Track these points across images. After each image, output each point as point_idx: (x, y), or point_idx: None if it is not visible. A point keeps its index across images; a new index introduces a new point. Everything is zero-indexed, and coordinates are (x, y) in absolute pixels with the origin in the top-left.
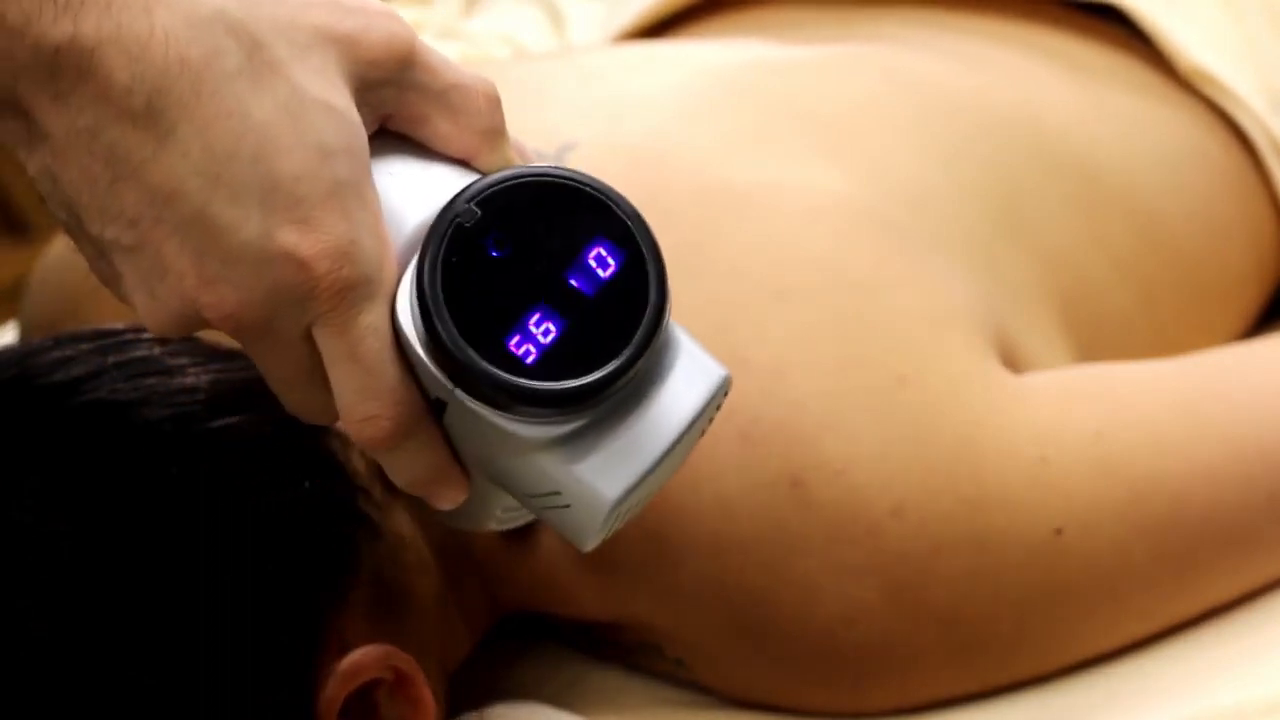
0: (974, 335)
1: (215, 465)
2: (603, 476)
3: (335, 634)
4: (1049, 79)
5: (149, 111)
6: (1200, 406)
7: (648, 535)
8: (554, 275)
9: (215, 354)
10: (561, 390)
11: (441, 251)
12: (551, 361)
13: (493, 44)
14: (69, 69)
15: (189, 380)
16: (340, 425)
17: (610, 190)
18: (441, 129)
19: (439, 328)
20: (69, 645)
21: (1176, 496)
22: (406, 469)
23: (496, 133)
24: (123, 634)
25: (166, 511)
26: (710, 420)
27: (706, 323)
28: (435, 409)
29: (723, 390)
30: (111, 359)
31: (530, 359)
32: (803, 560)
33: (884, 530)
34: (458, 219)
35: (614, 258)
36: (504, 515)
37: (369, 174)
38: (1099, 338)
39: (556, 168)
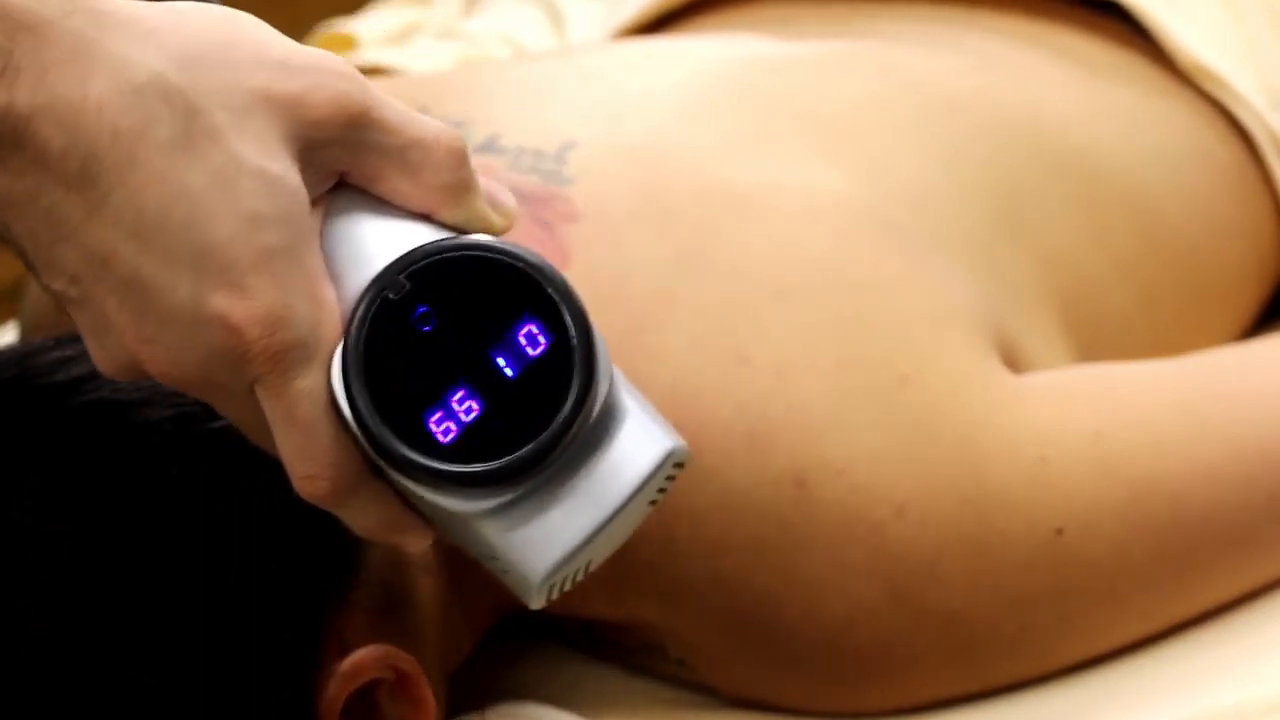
0: (975, 335)
1: (216, 465)
2: (534, 549)
3: (336, 634)
4: (1050, 75)
5: (84, 177)
6: (1200, 406)
7: (650, 533)
8: (479, 353)
9: None
10: (471, 473)
11: (366, 324)
12: (471, 440)
13: (493, 44)
14: (5, 136)
15: None
16: None
17: (544, 266)
18: (400, 187)
19: (357, 403)
20: (70, 645)
21: (1177, 496)
22: (358, 522)
23: (460, 188)
24: (123, 634)
25: (167, 511)
26: (662, 490)
27: (707, 323)
28: (375, 468)
29: (672, 461)
30: None
31: (449, 437)
32: (805, 560)
33: (886, 530)
34: (385, 291)
35: (545, 337)
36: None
37: (307, 238)
38: (1099, 337)
39: (493, 241)
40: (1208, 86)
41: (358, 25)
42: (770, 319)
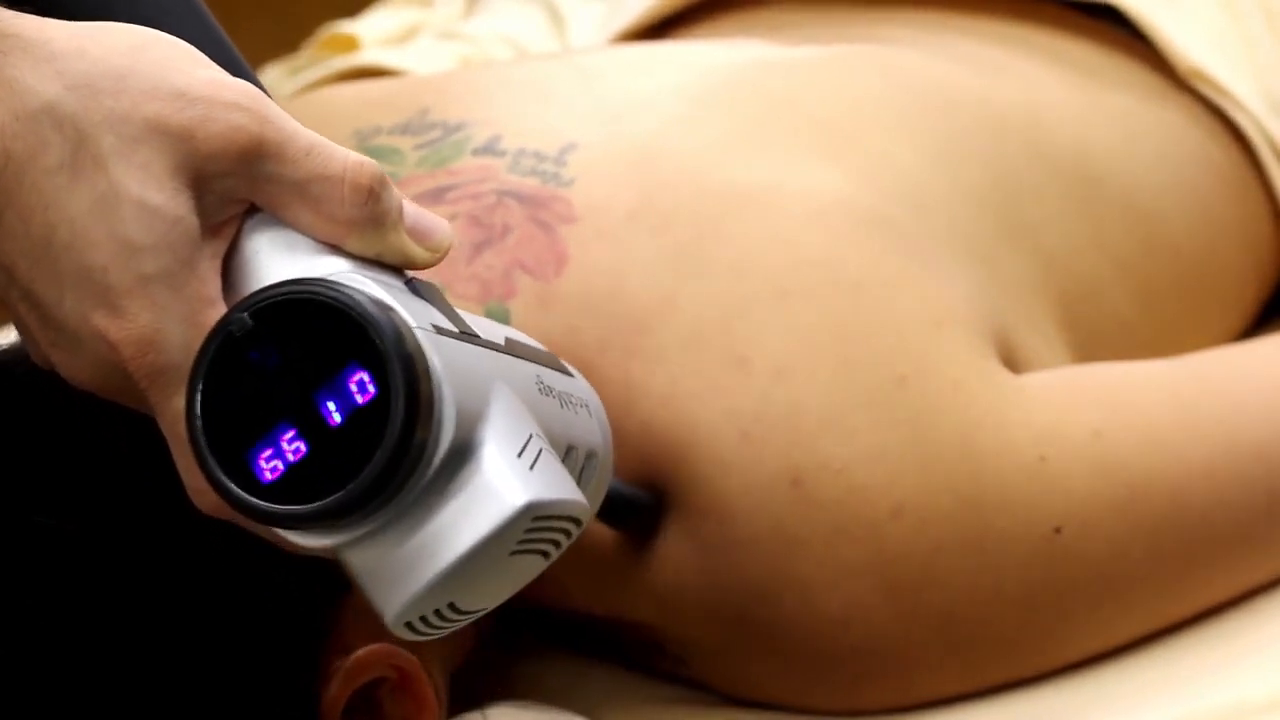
0: (974, 335)
1: None
2: (380, 591)
3: (338, 633)
4: (1049, 79)
5: None
6: (1199, 406)
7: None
8: (308, 396)
9: None
10: (283, 513)
11: (208, 360)
12: (296, 481)
13: (493, 44)
14: None
15: None
16: None
17: (377, 318)
18: (303, 218)
19: (196, 435)
20: (71, 645)
21: (1175, 496)
22: (256, 534)
23: (367, 222)
24: (125, 633)
25: (169, 511)
26: (530, 543)
27: (706, 323)
28: None
29: (527, 516)
30: None
31: (274, 475)
32: (802, 559)
33: (883, 530)
34: (229, 327)
35: (374, 386)
36: None
37: (191, 264)
38: (1098, 338)
39: (340, 286)
40: (1205, 90)
41: (359, 26)
42: (769, 319)
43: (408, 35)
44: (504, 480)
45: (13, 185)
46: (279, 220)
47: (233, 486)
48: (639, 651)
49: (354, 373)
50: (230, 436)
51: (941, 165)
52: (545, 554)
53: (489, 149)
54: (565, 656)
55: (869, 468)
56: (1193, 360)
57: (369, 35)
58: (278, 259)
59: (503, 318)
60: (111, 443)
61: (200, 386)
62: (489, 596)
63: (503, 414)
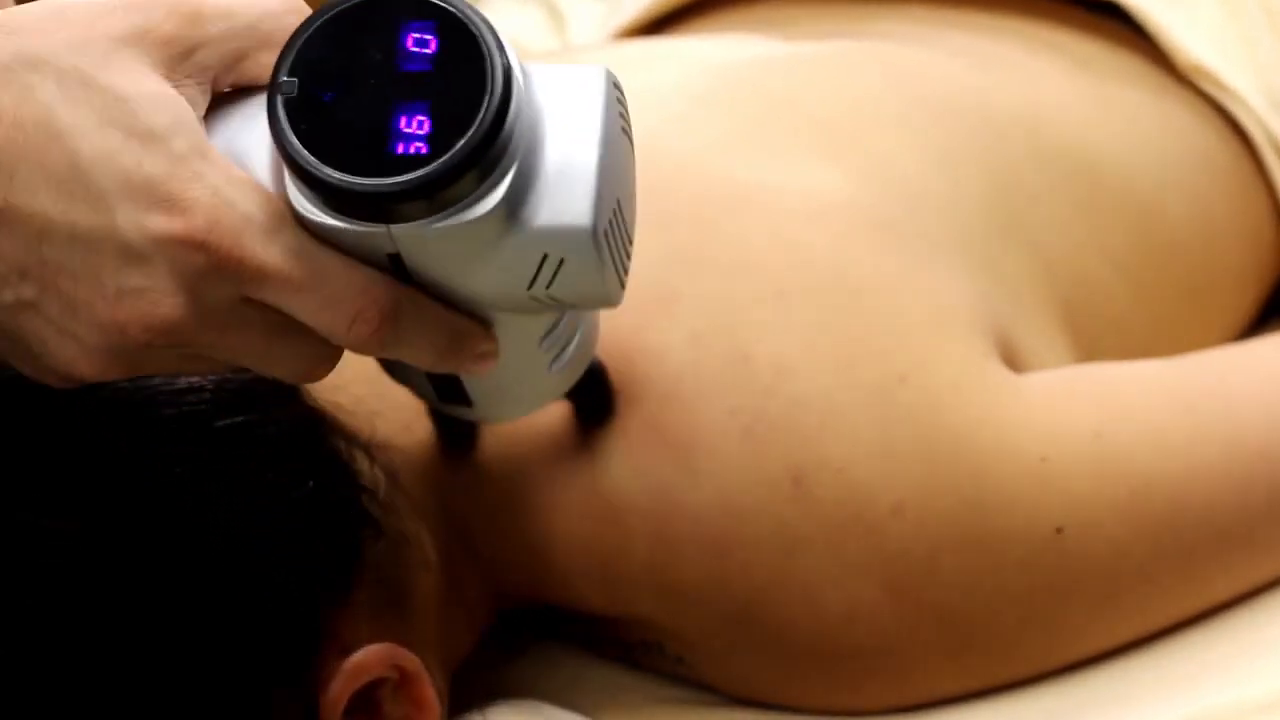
0: (974, 334)
1: (219, 466)
2: (565, 212)
3: (339, 633)
4: (1050, 76)
5: None
6: (1199, 406)
7: (649, 531)
8: (390, 76)
9: None
10: (461, 151)
11: (287, 129)
12: (440, 140)
13: None
14: None
15: (195, 380)
16: (341, 342)
17: None
18: (263, 59)
19: (335, 184)
20: (72, 644)
21: (1175, 496)
22: (426, 344)
23: None
24: (125, 633)
25: (170, 511)
26: (623, 116)
27: (707, 321)
28: (396, 271)
29: (611, 83)
30: None
31: (425, 150)
32: (804, 558)
33: (884, 528)
34: (280, 96)
35: (428, 33)
36: (547, 352)
37: (202, 134)
38: (1098, 337)
39: (335, 4)
40: (1206, 87)
41: None
42: (770, 318)
43: None
44: (574, 69)
45: (14, 135)
46: (241, 93)
47: (408, 177)
48: (639, 650)
49: (405, 38)
50: (359, 166)
51: (942, 165)
52: (627, 130)
53: None
54: (565, 655)
55: (870, 466)
56: (1193, 360)
57: None
58: (253, 126)
59: None
60: (111, 443)
61: (303, 151)
62: (628, 183)
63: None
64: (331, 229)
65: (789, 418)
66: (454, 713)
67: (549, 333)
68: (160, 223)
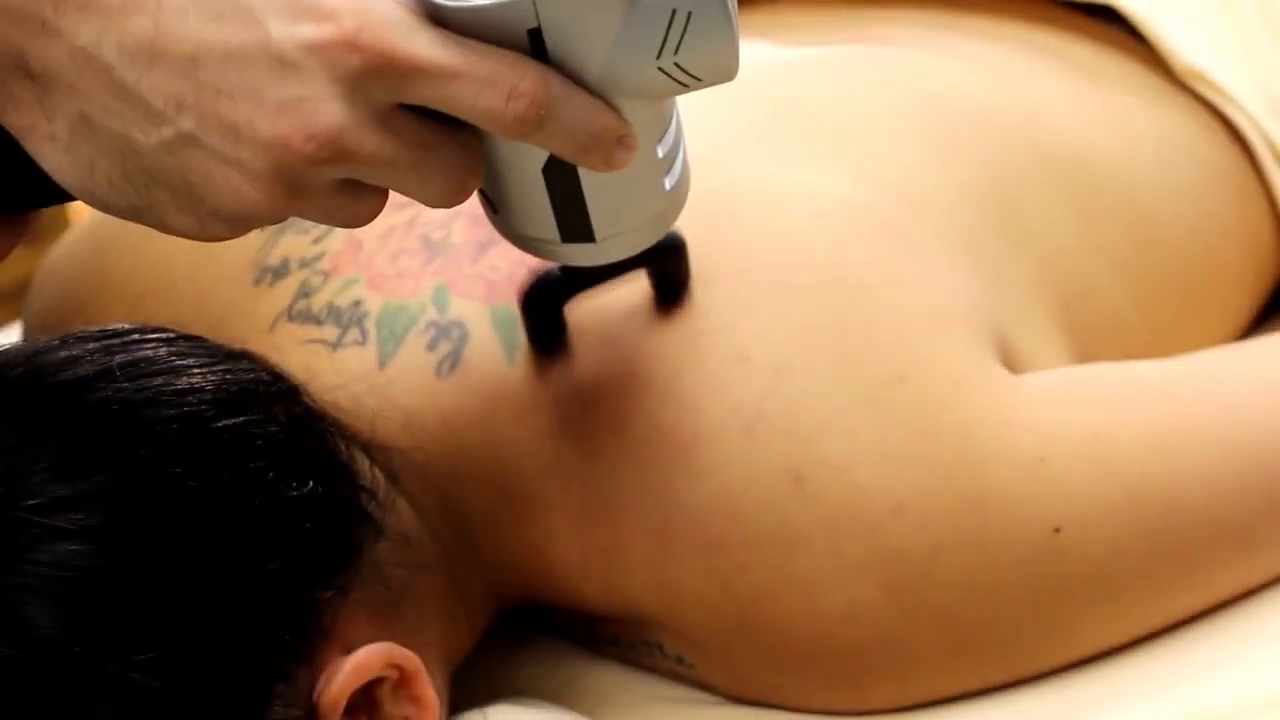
0: (974, 335)
1: (220, 466)
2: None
3: (339, 632)
4: (1047, 80)
5: None
6: (1197, 406)
7: (649, 530)
8: None
9: (222, 354)
10: None
11: None
12: None
13: None
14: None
15: (195, 380)
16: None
17: None
18: None
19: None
20: (72, 644)
21: (1174, 496)
22: (574, 124)
23: None
24: (124, 633)
25: (171, 511)
26: None
27: (710, 321)
28: (536, 53)
29: None
30: (118, 359)
31: None
32: (804, 557)
33: (884, 528)
34: None
35: None
36: (663, 160)
37: None
38: (1097, 338)
39: None
40: (1203, 91)
41: None
42: (771, 317)
43: None
44: None
45: None
46: None
47: None
48: (639, 650)
49: None
50: None
51: (942, 166)
52: None
53: None
54: (565, 654)
55: (870, 465)
56: (1191, 361)
57: None
58: None
59: (510, 322)
60: (111, 442)
61: None
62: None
63: None
64: (475, 9)
65: (789, 417)
66: (454, 712)
67: (663, 136)
68: (311, 30)
